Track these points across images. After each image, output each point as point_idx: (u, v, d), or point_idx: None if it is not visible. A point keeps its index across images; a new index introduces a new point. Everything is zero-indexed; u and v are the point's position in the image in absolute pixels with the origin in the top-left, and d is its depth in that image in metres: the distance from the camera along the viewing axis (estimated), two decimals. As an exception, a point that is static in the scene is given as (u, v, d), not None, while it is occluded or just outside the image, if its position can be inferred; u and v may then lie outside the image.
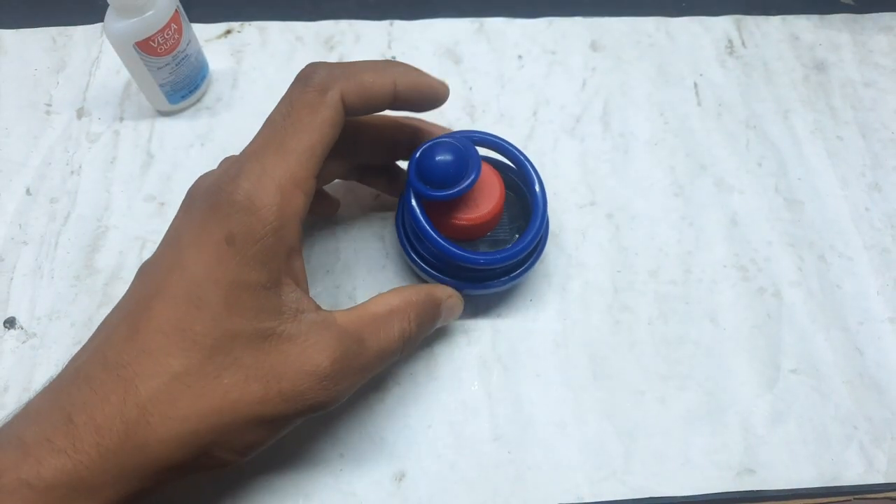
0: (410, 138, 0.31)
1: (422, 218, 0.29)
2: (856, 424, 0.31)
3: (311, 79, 0.25)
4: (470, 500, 0.29)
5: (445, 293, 0.29)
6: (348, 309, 0.26)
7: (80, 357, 0.24)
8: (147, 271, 0.25)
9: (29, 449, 0.21)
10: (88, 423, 0.21)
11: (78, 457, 0.21)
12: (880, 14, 0.45)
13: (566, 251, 0.36)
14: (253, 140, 0.25)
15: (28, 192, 0.37)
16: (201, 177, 0.26)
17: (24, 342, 0.32)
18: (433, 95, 0.29)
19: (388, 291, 0.27)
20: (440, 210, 0.29)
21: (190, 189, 0.26)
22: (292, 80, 0.26)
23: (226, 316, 0.22)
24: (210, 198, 0.24)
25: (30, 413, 0.22)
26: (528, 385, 0.32)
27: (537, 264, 0.32)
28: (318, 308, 0.25)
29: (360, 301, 0.33)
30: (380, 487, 0.30)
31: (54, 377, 0.23)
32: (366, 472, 0.30)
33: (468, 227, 0.29)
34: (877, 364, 0.33)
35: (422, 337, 0.28)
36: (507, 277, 0.31)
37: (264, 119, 0.26)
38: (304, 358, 0.23)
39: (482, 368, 0.32)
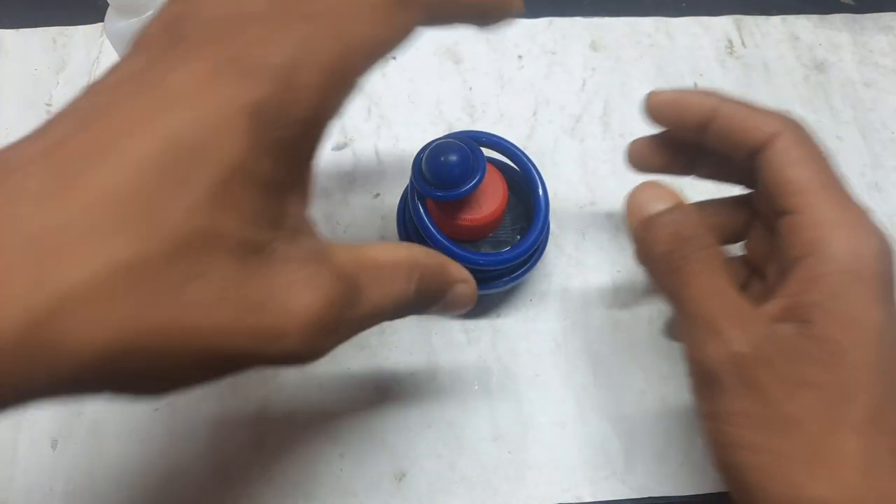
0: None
1: (425, 218, 0.29)
2: (856, 424, 0.31)
3: None
4: (470, 499, 0.29)
5: (460, 274, 0.24)
6: (347, 246, 0.20)
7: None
8: (97, 107, 0.17)
9: None
10: None
11: None
12: (880, 14, 0.45)
13: (566, 251, 0.36)
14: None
15: (28, 192, 0.37)
16: (195, 3, 0.19)
17: (24, 342, 0.32)
18: (510, 5, 0.26)
19: (396, 242, 0.23)
20: (443, 210, 0.29)
21: (175, 13, 0.18)
22: None
23: (213, 207, 0.16)
24: (227, 42, 0.17)
25: None
26: (528, 385, 0.32)
27: (538, 264, 0.32)
28: (317, 233, 0.20)
29: (360, 301, 0.34)
30: (380, 487, 0.30)
31: None
32: (366, 472, 0.30)
33: (471, 228, 0.29)
34: (877, 364, 0.33)
35: (414, 311, 0.23)
36: (507, 278, 0.31)
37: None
38: (295, 291, 0.18)
39: (482, 368, 0.32)
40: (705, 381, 0.23)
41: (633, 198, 0.26)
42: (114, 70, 0.18)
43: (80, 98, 0.18)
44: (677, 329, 0.24)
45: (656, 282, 0.25)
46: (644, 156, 0.30)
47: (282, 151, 0.17)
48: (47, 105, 0.40)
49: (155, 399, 0.18)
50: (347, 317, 0.19)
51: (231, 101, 0.16)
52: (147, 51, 0.18)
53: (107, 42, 0.41)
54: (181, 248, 0.16)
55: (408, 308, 0.22)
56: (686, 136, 0.28)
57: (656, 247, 0.25)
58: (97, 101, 0.17)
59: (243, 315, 0.17)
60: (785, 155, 0.25)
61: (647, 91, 0.28)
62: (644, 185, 0.26)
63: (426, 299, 0.23)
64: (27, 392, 0.15)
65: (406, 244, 0.23)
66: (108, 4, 0.33)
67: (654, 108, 0.28)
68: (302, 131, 0.18)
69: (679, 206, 0.25)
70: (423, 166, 0.28)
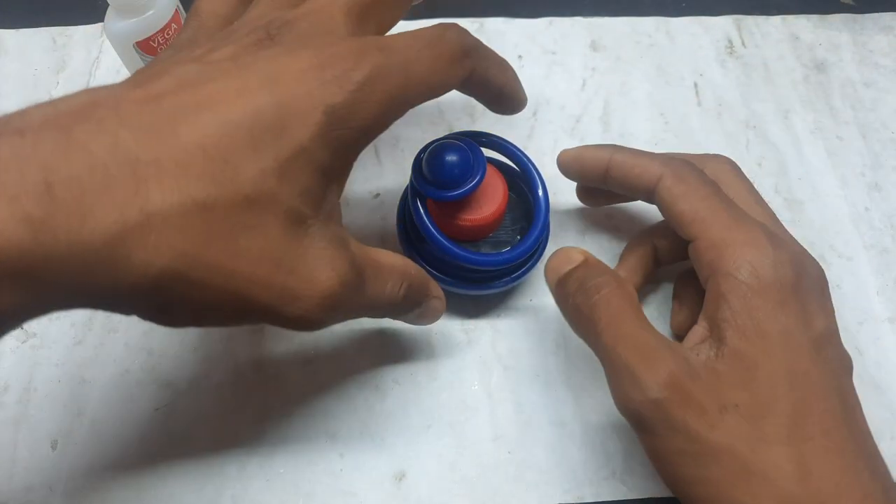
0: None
1: (425, 218, 0.29)
2: (855, 424, 0.31)
3: (459, 37, 0.24)
4: (470, 499, 0.29)
5: (437, 292, 0.28)
6: (357, 241, 0.24)
7: (68, 115, 0.18)
8: (200, 74, 0.20)
9: None
10: (72, 205, 0.16)
11: (43, 238, 0.16)
12: (880, 14, 0.45)
13: (566, 251, 0.36)
14: (389, 35, 0.23)
15: None
16: (278, 9, 0.23)
17: (23, 342, 0.32)
18: (518, 105, 0.29)
19: (391, 252, 0.26)
20: (443, 210, 0.29)
21: (258, 15, 0.23)
22: None
23: (277, 175, 0.19)
24: (319, 52, 0.21)
25: None
26: (528, 385, 0.32)
27: (538, 264, 0.32)
28: (342, 224, 0.23)
29: (360, 301, 0.34)
30: (380, 487, 0.30)
31: (15, 114, 0.18)
32: (366, 472, 0.30)
33: (471, 229, 0.29)
34: (876, 364, 0.33)
35: (396, 313, 0.26)
36: (508, 278, 0.31)
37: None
38: (319, 265, 0.21)
39: (482, 368, 0.32)
40: (636, 425, 0.24)
41: (548, 265, 0.28)
42: (199, 42, 0.23)
43: (172, 64, 0.21)
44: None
45: (578, 334, 0.27)
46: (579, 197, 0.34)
47: (338, 147, 0.21)
48: (47, 105, 0.39)
49: (176, 327, 0.21)
50: (353, 299, 0.22)
51: (313, 97, 0.20)
52: (237, 40, 0.22)
53: (107, 42, 0.41)
54: (246, 201, 0.19)
55: (394, 309, 0.26)
56: (595, 186, 0.32)
57: (567, 301, 0.27)
58: (201, 70, 0.20)
59: (276, 273, 0.20)
60: (670, 194, 0.28)
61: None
62: (556, 251, 0.28)
63: (408, 305, 0.26)
64: (86, 295, 0.18)
65: (400, 255, 0.26)
66: (107, 4, 0.33)
67: (562, 165, 0.32)
68: (358, 136, 0.21)
69: (583, 263, 0.27)
70: (424, 166, 0.28)
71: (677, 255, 0.32)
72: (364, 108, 0.21)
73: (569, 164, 0.32)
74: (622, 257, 0.33)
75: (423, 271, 0.27)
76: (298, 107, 0.20)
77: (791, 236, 0.28)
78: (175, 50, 0.23)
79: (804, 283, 0.25)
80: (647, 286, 0.34)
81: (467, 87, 0.26)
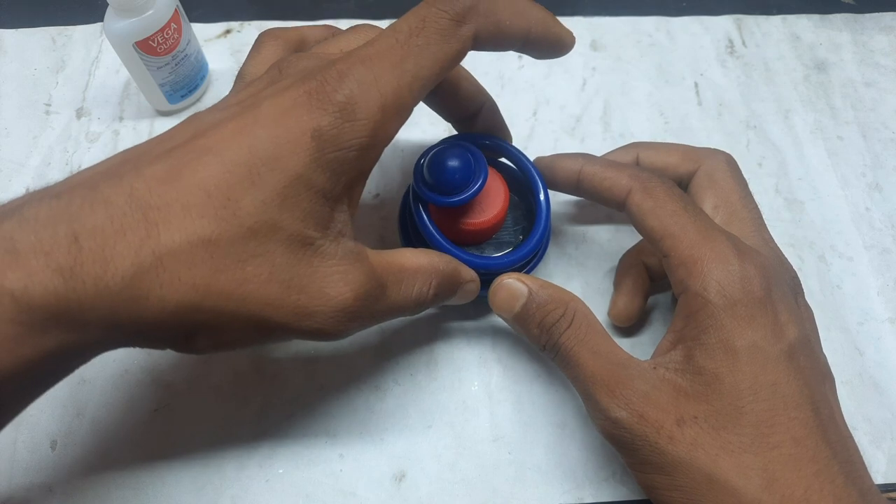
0: (477, 106, 0.31)
1: (428, 223, 0.29)
2: (855, 425, 0.31)
3: (445, 9, 0.23)
4: (470, 500, 0.29)
5: (469, 275, 0.29)
6: (379, 251, 0.25)
7: (98, 174, 0.20)
8: (210, 121, 0.22)
9: (21, 257, 0.18)
10: (96, 252, 0.18)
11: (73, 284, 0.18)
12: (881, 14, 0.45)
13: (566, 251, 0.36)
14: (368, 43, 0.23)
15: (28, 192, 0.37)
16: (296, 55, 0.24)
17: (23, 342, 0.32)
18: (560, 45, 0.28)
19: (418, 249, 0.27)
20: (446, 215, 0.29)
21: (279, 62, 0.24)
22: None
23: (277, 204, 0.21)
24: (307, 83, 0.22)
25: (27, 217, 0.19)
26: (528, 385, 0.32)
27: (539, 265, 0.32)
28: (357, 239, 0.24)
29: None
30: (380, 487, 0.30)
31: (59, 182, 0.20)
32: (366, 473, 0.30)
33: (474, 232, 0.29)
34: (876, 364, 0.33)
35: (432, 306, 0.27)
36: (507, 278, 0.31)
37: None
38: (331, 281, 0.22)
39: (482, 368, 0.32)
40: (610, 441, 0.26)
41: (494, 302, 0.28)
42: (228, 96, 0.25)
43: (195, 116, 0.23)
44: None
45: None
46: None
47: (337, 168, 0.22)
48: (46, 105, 0.39)
49: (207, 353, 0.22)
50: (372, 308, 0.24)
51: (301, 125, 0.21)
52: (252, 85, 0.24)
53: (106, 42, 0.41)
54: (248, 232, 0.20)
55: (426, 306, 0.27)
56: (572, 194, 0.32)
57: (532, 339, 0.28)
58: (213, 116, 0.22)
59: (287, 293, 0.21)
60: (639, 209, 0.28)
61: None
62: (497, 287, 0.28)
63: (441, 298, 0.27)
64: (119, 332, 0.19)
65: (428, 251, 0.27)
66: (107, 4, 0.33)
67: (540, 171, 0.32)
68: (357, 154, 0.22)
69: (530, 297, 0.27)
70: (425, 172, 0.28)
71: None
72: (353, 126, 0.21)
73: (543, 172, 0.32)
74: (618, 281, 0.33)
75: (453, 260, 0.28)
76: (289, 136, 0.21)
77: (768, 240, 0.28)
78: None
79: (774, 294, 0.25)
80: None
81: (484, 48, 0.25)
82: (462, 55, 0.24)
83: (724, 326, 0.24)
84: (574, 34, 0.28)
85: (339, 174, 0.22)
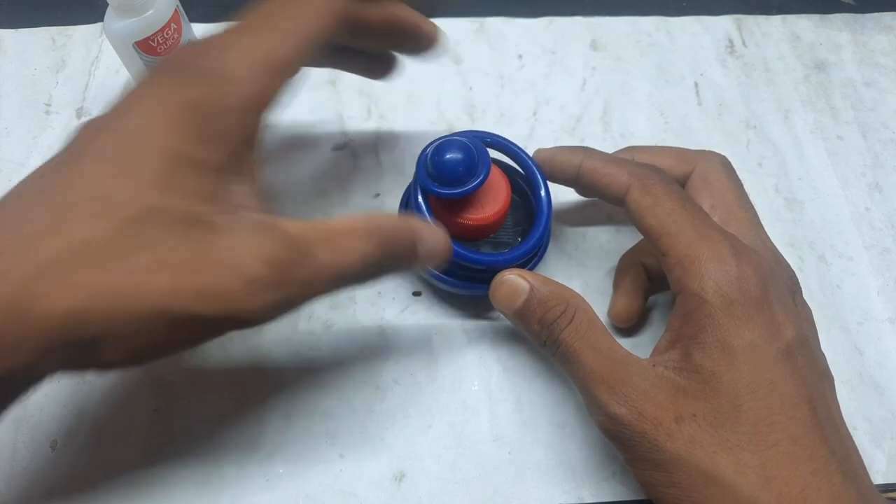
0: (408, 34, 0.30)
1: (428, 215, 0.29)
2: (855, 425, 0.31)
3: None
4: (470, 500, 0.29)
5: (430, 233, 0.26)
6: (304, 220, 0.23)
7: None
8: (84, 130, 0.22)
9: None
10: None
11: None
12: (881, 14, 0.45)
13: (566, 251, 0.36)
14: (241, 16, 0.23)
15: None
16: (178, 48, 0.24)
17: (23, 342, 0.32)
18: (422, 35, 0.29)
19: (357, 213, 0.25)
20: (446, 208, 0.29)
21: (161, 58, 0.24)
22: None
23: (157, 189, 0.19)
24: (177, 62, 0.21)
25: None
26: (528, 385, 0.32)
27: (538, 265, 0.32)
28: (267, 211, 0.22)
29: (359, 300, 0.34)
30: (380, 488, 0.30)
31: None
32: (366, 473, 0.30)
33: (473, 228, 0.29)
34: (876, 364, 0.33)
35: (392, 268, 0.25)
36: (507, 278, 0.31)
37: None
38: (232, 254, 0.20)
39: (482, 368, 0.32)
40: (608, 438, 0.26)
41: (496, 297, 0.28)
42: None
43: (92, 119, 0.22)
44: None
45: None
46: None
47: (219, 139, 0.21)
48: (46, 105, 0.39)
49: (123, 369, 0.21)
50: (296, 276, 0.21)
51: (172, 101, 0.20)
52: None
53: (106, 42, 0.41)
54: (127, 223, 0.19)
55: (376, 267, 0.24)
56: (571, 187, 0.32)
57: (533, 336, 0.28)
58: (95, 121, 0.22)
59: (184, 277, 0.19)
60: (637, 207, 0.28)
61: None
62: (498, 283, 0.28)
63: (396, 258, 0.25)
64: (18, 356, 0.18)
65: (368, 213, 0.24)
66: (107, 4, 0.33)
67: (539, 163, 0.32)
68: (237, 119, 0.21)
69: (532, 293, 0.27)
70: (428, 162, 0.28)
71: None
72: (225, 90, 0.21)
73: (542, 165, 0.31)
74: (617, 282, 0.33)
75: (399, 217, 0.26)
76: (161, 115, 0.20)
77: (765, 240, 0.28)
78: None
79: (771, 293, 0.25)
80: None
81: (359, 28, 0.26)
82: (340, 7, 0.24)
83: (721, 326, 0.24)
84: (445, 35, 0.29)
85: (222, 143, 0.21)
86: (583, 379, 0.26)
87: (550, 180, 0.32)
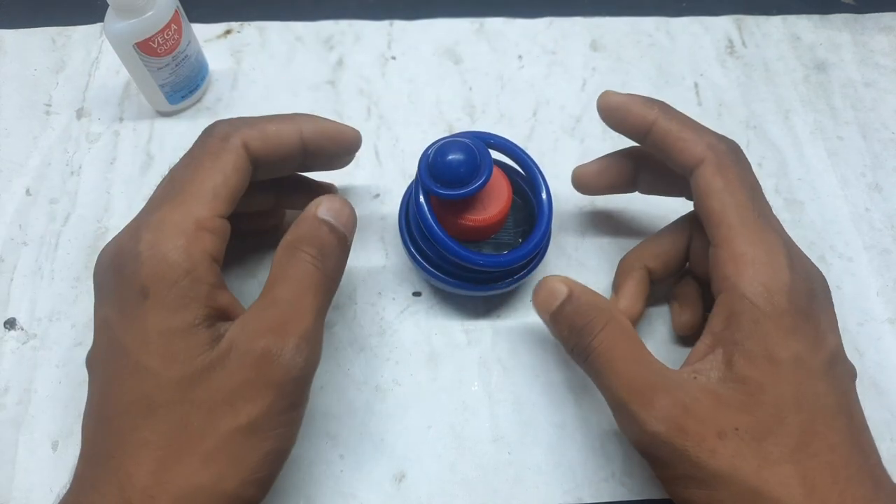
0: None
1: (429, 215, 0.29)
2: (855, 425, 0.31)
3: (213, 130, 0.26)
4: (470, 500, 0.29)
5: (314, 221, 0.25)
6: (262, 308, 0.24)
7: (78, 463, 0.24)
8: (95, 365, 0.24)
9: None
10: None
11: None
12: (881, 14, 0.45)
13: (566, 252, 0.36)
14: (153, 195, 0.25)
15: (28, 192, 0.37)
16: (103, 248, 0.25)
17: (24, 343, 0.32)
18: (343, 140, 0.30)
19: (280, 278, 0.24)
20: (447, 209, 0.29)
21: (95, 263, 0.25)
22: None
23: (168, 370, 0.22)
24: (115, 262, 0.24)
25: None
26: (528, 386, 0.32)
27: (538, 266, 0.32)
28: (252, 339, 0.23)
29: (359, 300, 0.34)
30: (380, 488, 0.30)
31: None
32: (366, 473, 0.30)
33: (475, 229, 0.29)
34: (876, 365, 0.33)
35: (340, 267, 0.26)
36: (509, 279, 0.31)
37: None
38: (233, 411, 0.22)
39: (482, 369, 0.32)
40: (643, 454, 0.25)
41: (536, 299, 0.28)
42: None
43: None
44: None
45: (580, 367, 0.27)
46: (589, 180, 0.33)
47: (182, 303, 0.23)
48: (47, 105, 0.39)
49: None
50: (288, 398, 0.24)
51: (102, 314, 0.25)
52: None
53: (106, 42, 0.41)
54: (180, 418, 0.22)
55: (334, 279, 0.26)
56: (634, 140, 0.30)
57: (564, 341, 0.27)
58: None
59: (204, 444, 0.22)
60: (706, 183, 0.26)
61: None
62: (541, 284, 0.28)
63: (337, 268, 0.26)
64: None
65: (287, 271, 0.25)
66: (107, 4, 0.33)
67: (604, 108, 0.29)
68: (188, 281, 0.23)
69: (569, 297, 0.26)
70: (431, 163, 0.28)
71: (671, 275, 0.32)
72: (169, 266, 0.23)
73: (611, 111, 0.29)
74: (618, 284, 0.32)
75: (297, 241, 0.25)
76: (126, 337, 0.23)
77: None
78: None
79: (816, 304, 0.25)
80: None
81: (269, 165, 0.27)
82: (240, 163, 0.26)
83: (768, 335, 0.23)
84: (359, 134, 0.31)
85: (189, 304, 0.23)
86: (615, 392, 0.25)
87: (613, 128, 0.29)
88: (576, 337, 0.26)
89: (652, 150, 0.29)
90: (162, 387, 0.22)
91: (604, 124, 0.29)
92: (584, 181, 0.33)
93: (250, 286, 0.34)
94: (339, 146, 0.30)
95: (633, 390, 0.24)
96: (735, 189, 0.26)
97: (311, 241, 0.25)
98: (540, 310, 0.28)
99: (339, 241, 0.26)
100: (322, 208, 0.25)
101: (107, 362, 0.23)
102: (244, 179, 0.26)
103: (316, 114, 0.29)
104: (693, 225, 0.31)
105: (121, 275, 0.23)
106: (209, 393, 0.22)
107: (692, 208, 0.30)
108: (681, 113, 0.28)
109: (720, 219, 0.26)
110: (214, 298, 0.24)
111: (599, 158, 0.32)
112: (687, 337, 0.32)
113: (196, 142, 0.26)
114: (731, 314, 0.24)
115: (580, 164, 0.33)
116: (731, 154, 0.27)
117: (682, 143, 0.27)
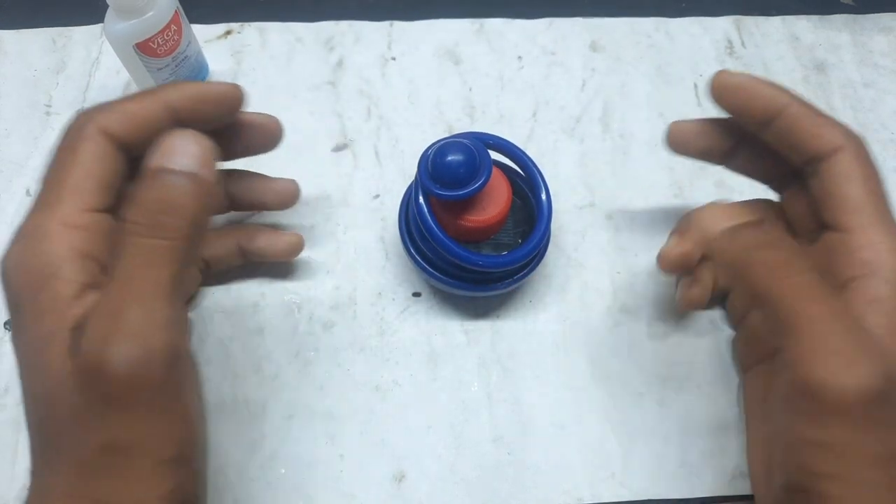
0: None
1: (429, 217, 0.29)
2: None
3: (69, 124, 0.25)
4: (469, 500, 0.29)
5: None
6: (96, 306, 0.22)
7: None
8: None
9: None
10: None
11: None
12: (880, 14, 0.45)
13: (566, 252, 0.36)
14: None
15: (28, 192, 0.37)
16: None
17: (24, 343, 0.32)
18: (218, 96, 0.27)
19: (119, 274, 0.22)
20: (447, 210, 0.29)
21: None
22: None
23: (33, 385, 0.22)
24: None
25: None
26: (527, 386, 0.32)
27: (538, 267, 0.32)
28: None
29: (359, 301, 0.34)
30: (380, 488, 0.30)
31: None
32: (366, 474, 0.30)
33: (474, 229, 0.29)
34: None
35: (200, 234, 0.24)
36: (508, 280, 0.31)
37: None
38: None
39: (482, 369, 0.32)
40: (815, 406, 0.22)
41: (703, 216, 0.27)
42: None
43: None
44: (773, 341, 0.25)
45: (757, 296, 0.24)
46: (686, 139, 0.30)
47: (45, 309, 0.22)
48: (47, 106, 0.40)
49: None
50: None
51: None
52: None
53: (106, 43, 0.41)
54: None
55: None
56: (745, 125, 0.28)
57: (748, 264, 0.25)
58: None
59: None
60: (844, 171, 0.26)
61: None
62: (713, 206, 0.27)
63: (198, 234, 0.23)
64: None
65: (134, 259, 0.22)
66: (107, 5, 0.33)
67: (721, 89, 0.28)
68: (55, 282, 0.22)
69: (759, 225, 0.26)
70: (430, 164, 0.28)
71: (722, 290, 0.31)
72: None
73: (730, 92, 0.27)
74: (696, 271, 0.30)
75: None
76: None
77: None
78: None
79: None
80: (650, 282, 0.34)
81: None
82: (101, 151, 0.24)
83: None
84: (241, 88, 0.28)
85: (48, 313, 0.22)
86: (830, 332, 0.23)
87: (728, 110, 0.28)
88: (787, 265, 0.24)
89: (771, 138, 0.27)
90: (30, 403, 0.22)
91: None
92: (682, 138, 0.30)
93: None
94: (216, 105, 0.27)
95: (853, 335, 0.23)
96: (871, 179, 0.26)
97: (140, 205, 0.22)
98: (701, 225, 0.27)
99: (181, 188, 0.22)
100: (154, 156, 0.23)
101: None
102: (110, 166, 0.24)
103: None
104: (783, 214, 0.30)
105: (1, 293, 0.23)
106: (67, 411, 0.21)
107: (692, 208, 0.30)
108: (808, 101, 0.27)
109: (854, 206, 0.25)
110: (85, 298, 0.22)
111: (700, 119, 0.30)
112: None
113: (56, 140, 0.25)
114: (872, 298, 0.24)
115: (678, 119, 0.30)
116: (866, 146, 0.27)
117: (819, 129, 0.26)
